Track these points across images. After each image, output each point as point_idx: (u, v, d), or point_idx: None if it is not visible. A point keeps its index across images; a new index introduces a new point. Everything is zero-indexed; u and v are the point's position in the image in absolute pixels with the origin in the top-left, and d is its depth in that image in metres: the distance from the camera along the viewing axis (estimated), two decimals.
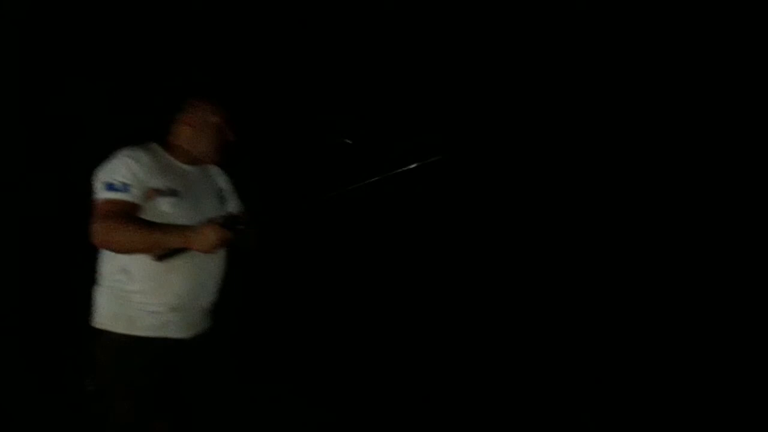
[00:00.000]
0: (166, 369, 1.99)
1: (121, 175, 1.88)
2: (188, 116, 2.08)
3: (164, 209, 1.92)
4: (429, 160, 1.93)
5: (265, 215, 2.10)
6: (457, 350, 4.26)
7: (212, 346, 2.16)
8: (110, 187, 1.87)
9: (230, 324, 2.33)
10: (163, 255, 1.86)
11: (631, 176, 6.17)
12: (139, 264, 1.89)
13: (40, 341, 3.44)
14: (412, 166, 1.92)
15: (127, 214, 1.86)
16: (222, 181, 2.25)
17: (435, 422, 3.26)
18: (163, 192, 1.93)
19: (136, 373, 1.92)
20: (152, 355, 1.94)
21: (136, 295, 1.92)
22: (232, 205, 2.23)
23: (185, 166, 2.08)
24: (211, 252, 1.87)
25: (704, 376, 3.56)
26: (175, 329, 1.98)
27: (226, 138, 2.12)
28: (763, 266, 4.77)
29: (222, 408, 2.42)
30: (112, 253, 1.93)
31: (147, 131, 2.11)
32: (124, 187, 1.87)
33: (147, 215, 1.90)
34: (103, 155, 1.96)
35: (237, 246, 1.99)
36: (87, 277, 2.03)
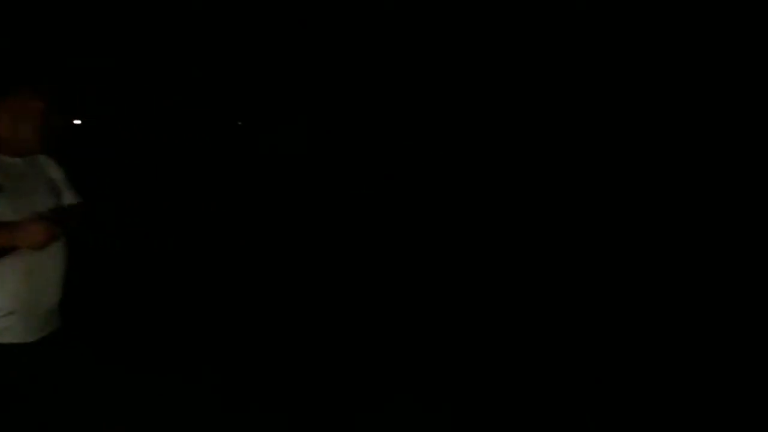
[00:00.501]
0: (13, 377, 1.87)
1: None
2: (7, 103, 1.92)
3: None
4: None
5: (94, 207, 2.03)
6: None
7: (64, 347, 2.06)
8: None
9: (82, 322, 2.24)
10: None
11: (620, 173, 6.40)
12: None
13: None
14: None
15: None
16: (54, 171, 2.11)
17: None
18: None
19: None
20: None
21: None
22: (68, 197, 2.11)
23: (9, 159, 1.93)
24: (40, 248, 1.78)
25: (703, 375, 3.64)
26: (17, 334, 1.86)
27: (50, 125, 1.99)
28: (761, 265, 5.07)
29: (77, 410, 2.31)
30: None
31: None
32: None
33: None
34: None
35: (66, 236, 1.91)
36: None
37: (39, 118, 1.95)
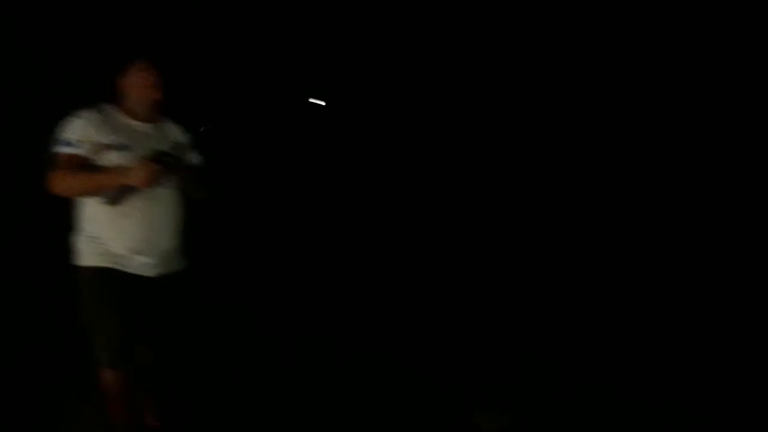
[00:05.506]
0: (138, 301, 2.25)
1: (72, 132, 2.15)
2: (122, 78, 2.28)
3: (114, 160, 2.16)
4: None
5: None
6: None
7: (182, 286, 2.42)
8: (63, 143, 2.15)
9: (200, 265, 2.60)
10: (113, 199, 2.14)
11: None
12: (102, 215, 2.18)
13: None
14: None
15: (78, 165, 2.13)
16: (178, 135, 2.42)
17: None
18: (113, 146, 2.17)
19: (112, 295, 2.21)
20: (123, 284, 2.22)
21: (103, 239, 2.20)
22: (189, 159, 2.42)
23: (136, 123, 2.28)
24: (146, 185, 2.11)
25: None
26: (140, 268, 2.25)
27: (154, 97, 2.29)
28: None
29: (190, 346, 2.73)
30: (83, 206, 2.22)
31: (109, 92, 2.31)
32: (74, 143, 2.14)
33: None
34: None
35: (171, 175, 2.22)
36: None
37: (144, 91, 2.26)
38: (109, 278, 2.21)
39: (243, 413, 2.90)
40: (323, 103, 12.46)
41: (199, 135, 2.23)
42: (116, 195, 2.15)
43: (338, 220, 7.55)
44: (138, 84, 2.26)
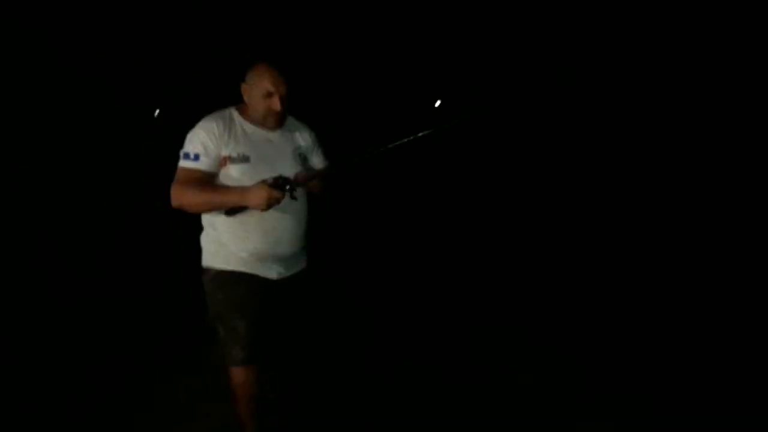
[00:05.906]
0: (263, 302, 2.27)
1: (195, 146, 2.14)
2: (245, 84, 2.23)
3: (234, 175, 2.15)
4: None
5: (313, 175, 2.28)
6: None
7: (305, 287, 2.42)
8: (186, 156, 2.15)
9: (320, 267, 2.60)
10: (232, 211, 2.16)
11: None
12: (222, 220, 2.20)
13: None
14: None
15: (199, 180, 2.12)
16: (304, 139, 2.37)
17: None
18: (235, 159, 2.14)
19: (238, 297, 2.23)
20: (249, 285, 2.25)
21: (225, 243, 2.23)
22: (315, 162, 2.39)
23: (261, 130, 2.23)
24: (265, 209, 2.10)
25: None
26: (262, 270, 2.26)
27: (276, 106, 2.20)
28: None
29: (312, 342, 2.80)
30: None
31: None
32: (197, 157, 2.12)
33: (221, 180, 2.17)
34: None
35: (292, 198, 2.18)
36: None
37: (266, 98, 2.18)
38: (234, 281, 2.25)
39: (357, 397, 2.96)
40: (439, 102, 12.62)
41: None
42: (236, 209, 2.17)
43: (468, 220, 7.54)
44: (260, 92, 2.19)
